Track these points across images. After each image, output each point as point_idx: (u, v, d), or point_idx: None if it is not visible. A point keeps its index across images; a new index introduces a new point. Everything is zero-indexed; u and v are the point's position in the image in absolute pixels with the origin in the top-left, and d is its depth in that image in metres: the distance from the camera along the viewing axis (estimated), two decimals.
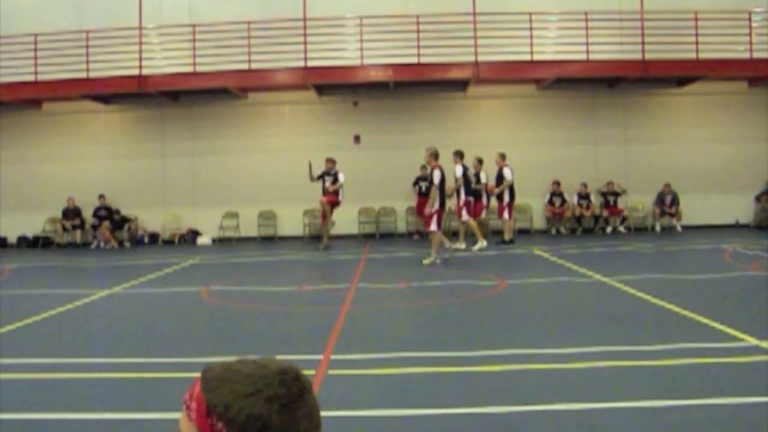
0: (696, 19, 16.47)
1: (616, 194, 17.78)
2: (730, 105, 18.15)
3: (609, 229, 17.70)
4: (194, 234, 18.13)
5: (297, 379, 1.15)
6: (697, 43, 16.45)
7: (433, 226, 12.19)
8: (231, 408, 1.10)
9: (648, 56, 16.60)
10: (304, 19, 16.63)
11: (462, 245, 14.40)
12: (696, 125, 18.22)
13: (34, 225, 18.14)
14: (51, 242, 17.87)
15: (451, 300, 8.78)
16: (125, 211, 18.05)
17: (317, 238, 18.15)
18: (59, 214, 18.02)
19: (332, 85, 17.83)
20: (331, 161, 15.21)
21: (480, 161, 16.11)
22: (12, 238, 18.38)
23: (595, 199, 17.85)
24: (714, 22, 16.68)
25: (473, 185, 15.47)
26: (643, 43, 16.56)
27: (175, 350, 6.32)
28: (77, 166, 18.32)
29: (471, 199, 15.07)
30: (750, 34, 16.78)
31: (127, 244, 17.54)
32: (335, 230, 18.34)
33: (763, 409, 4.20)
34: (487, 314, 7.87)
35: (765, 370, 5.01)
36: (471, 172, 15.48)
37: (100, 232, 17.24)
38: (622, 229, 17.70)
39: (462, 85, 17.90)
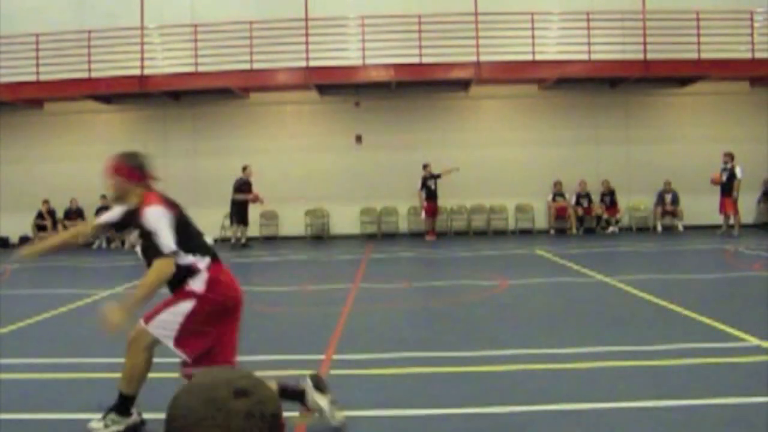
0: (698, 19, 16.46)
1: (612, 194, 17.77)
2: (732, 105, 18.13)
3: (612, 229, 17.69)
4: None
5: (217, 400, 1.18)
6: (698, 43, 16.44)
7: None
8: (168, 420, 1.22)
9: (650, 56, 16.59)
10: (306, 19, 16.63)
11: None
12: (698, 125, 18.20)
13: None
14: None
15: (452, 300, 8.77)
16: None
17: (319, 238, 18.17)
18: (60, 214, 18.04)
19: (334, 85, 17.83)
20: None
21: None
22: (14, 238, 18.40)
23: (596, 199, 17.84)
24: (716, 22, 16.67)
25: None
26: (644, 43, 16.55)
27: None
28: (79, 166, 18.31)
29: None
30: (752, 34, 16.77)
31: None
32: (339, 229, 18.38)
33: (764, 409, 4.19)
34: (489, 314, 7.85)
35: (766, 370, 5.00)
36: None
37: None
38: (614, 229, 17.67)
39: (464, 85, 17.89)
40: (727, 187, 15.88)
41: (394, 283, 10.05)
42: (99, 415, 4.20)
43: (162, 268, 4.02)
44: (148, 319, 4.15)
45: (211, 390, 1.19)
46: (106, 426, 4.17)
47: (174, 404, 1.21)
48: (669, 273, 10.39)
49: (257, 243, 17.39)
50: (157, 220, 4.09)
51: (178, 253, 4.06)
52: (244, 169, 16.49)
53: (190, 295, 4.11)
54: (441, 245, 15.74)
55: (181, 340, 4.12)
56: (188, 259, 4.13)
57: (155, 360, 5.87)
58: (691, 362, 5.28)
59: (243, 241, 16.41)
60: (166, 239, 4.05)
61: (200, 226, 4.20)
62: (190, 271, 4.14)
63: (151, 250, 4.16)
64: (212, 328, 4.12)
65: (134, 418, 4.21)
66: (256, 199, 16.23)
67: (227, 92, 17.63)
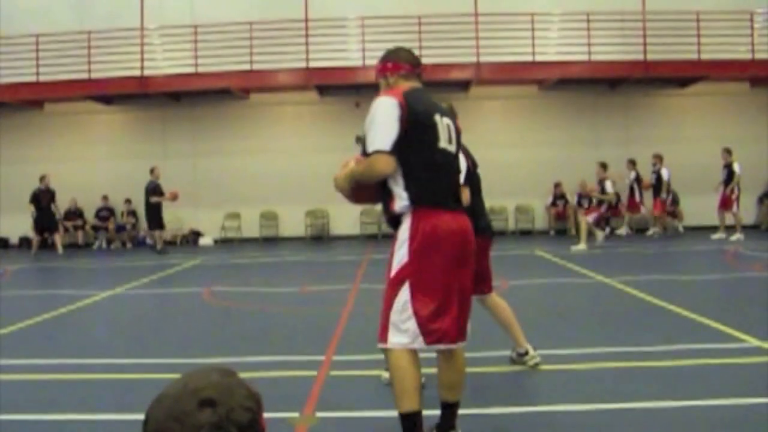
0: (698, 20, 16.47)
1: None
2: (732, 106, 18.14)
3: (615, 230, 17.71)
4: (196, 235, 18.14)
5: (181, 414, 1.13)
6: (699, 43, 16.46)
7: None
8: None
9: (650, 57, 16.60)
10: (306, 20, 16.65)
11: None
12: (698, 126, 18.21)
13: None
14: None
15: None
16: (125, 211, 18.05)
17: (319, 238, 18.16)
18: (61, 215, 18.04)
19: (334, 86, 17.84)
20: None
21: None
22: (14, 239, 18.40)
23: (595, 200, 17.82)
24: (716, 22, 16.69)
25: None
26: (645, 44, 16.56)
27: (177, 351, 6.31)
28: (79, 167, 18.34)
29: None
30: (752, 35, 16.79)
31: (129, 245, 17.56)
32: (339, 230, 18.39)
33: (764, 409, 4.19)
34: (488, 315, 7.83)
35: (766, 370, 5.00)
36: None
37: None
38: (614, 230, 17.67)
39: (464, 86, 17.90)
40: (657, 189, 16.65)
41: None
42: (94, 416, 4.17)
43: (373, 160, 3.30)
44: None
45: (177, 401, 1.14)
46: None
47: (148, 412, 1.17)
48: (669, 274, 10.38)
49: (257, 244, 17.36)
50: (381, 112, 3.34)
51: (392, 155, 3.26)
52: (152, 171, 15.71)
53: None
54: None
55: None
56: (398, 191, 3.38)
57: (141, 361, 5.89)
58: (691, 363, 5.27)
59: (159, 247, 15.55)
60: (380, 135, 3.29)
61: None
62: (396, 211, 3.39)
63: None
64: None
65: None
66: (174, 197, 15.43)
67: (227, 93, 17.64)
